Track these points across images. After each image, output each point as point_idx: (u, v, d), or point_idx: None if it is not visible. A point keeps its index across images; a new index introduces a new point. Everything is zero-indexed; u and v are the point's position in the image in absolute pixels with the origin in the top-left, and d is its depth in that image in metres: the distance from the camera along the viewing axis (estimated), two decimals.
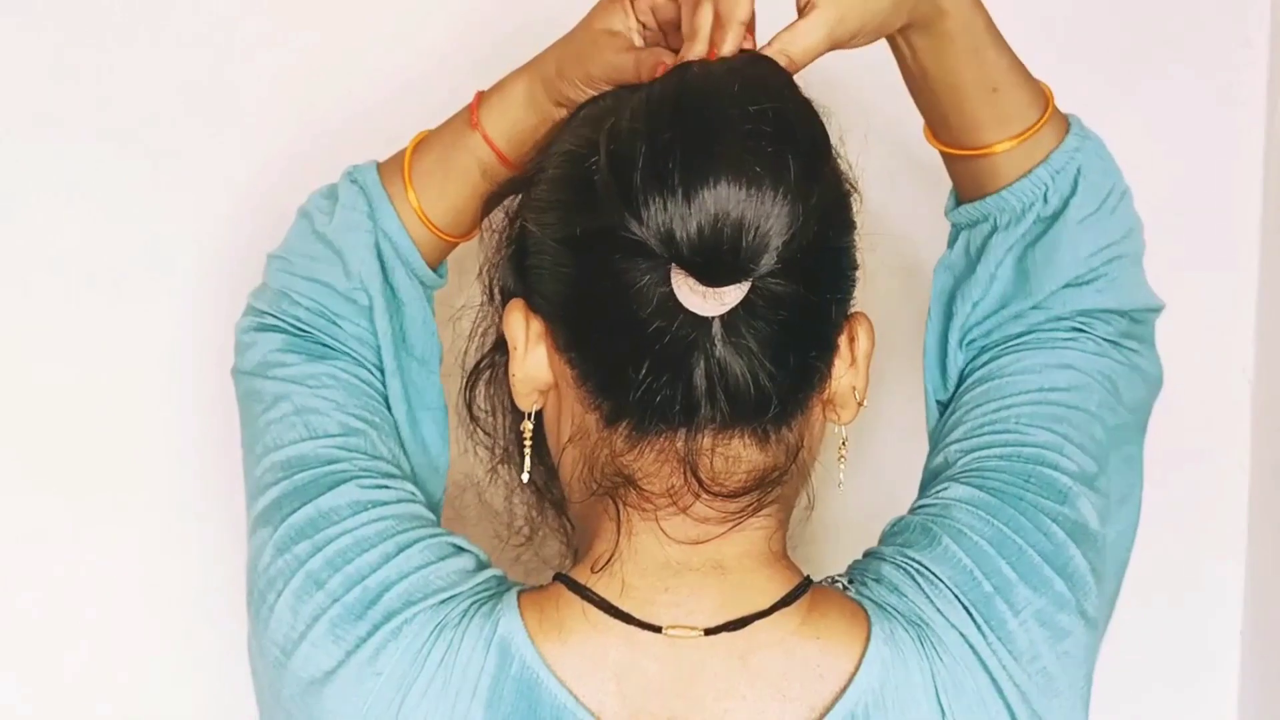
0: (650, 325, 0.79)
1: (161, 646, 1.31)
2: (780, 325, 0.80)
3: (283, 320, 0.99)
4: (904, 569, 0.88)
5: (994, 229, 1.00)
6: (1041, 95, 0.99)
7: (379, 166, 1.02)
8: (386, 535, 0.88)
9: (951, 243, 1.04)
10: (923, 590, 0.87)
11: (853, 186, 0.88)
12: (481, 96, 1.00)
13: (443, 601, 0.85)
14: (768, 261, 0.78)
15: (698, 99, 0.80)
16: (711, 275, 0.78)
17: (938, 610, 0.86)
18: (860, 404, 0.88)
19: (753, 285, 0.79)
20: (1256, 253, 1.36)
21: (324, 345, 0.98)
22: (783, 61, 0.86)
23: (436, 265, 1.03)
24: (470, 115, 0.99)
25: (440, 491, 1.02)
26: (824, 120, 0.84)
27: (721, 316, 0.79)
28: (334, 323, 0.98)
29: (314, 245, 1.00)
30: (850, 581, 0.90)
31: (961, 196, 1.03)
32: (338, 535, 0.88)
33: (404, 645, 0.84)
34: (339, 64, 1.30)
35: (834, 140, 0.85)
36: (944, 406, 1.02)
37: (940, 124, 1.00)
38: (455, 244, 1.03)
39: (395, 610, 0.85)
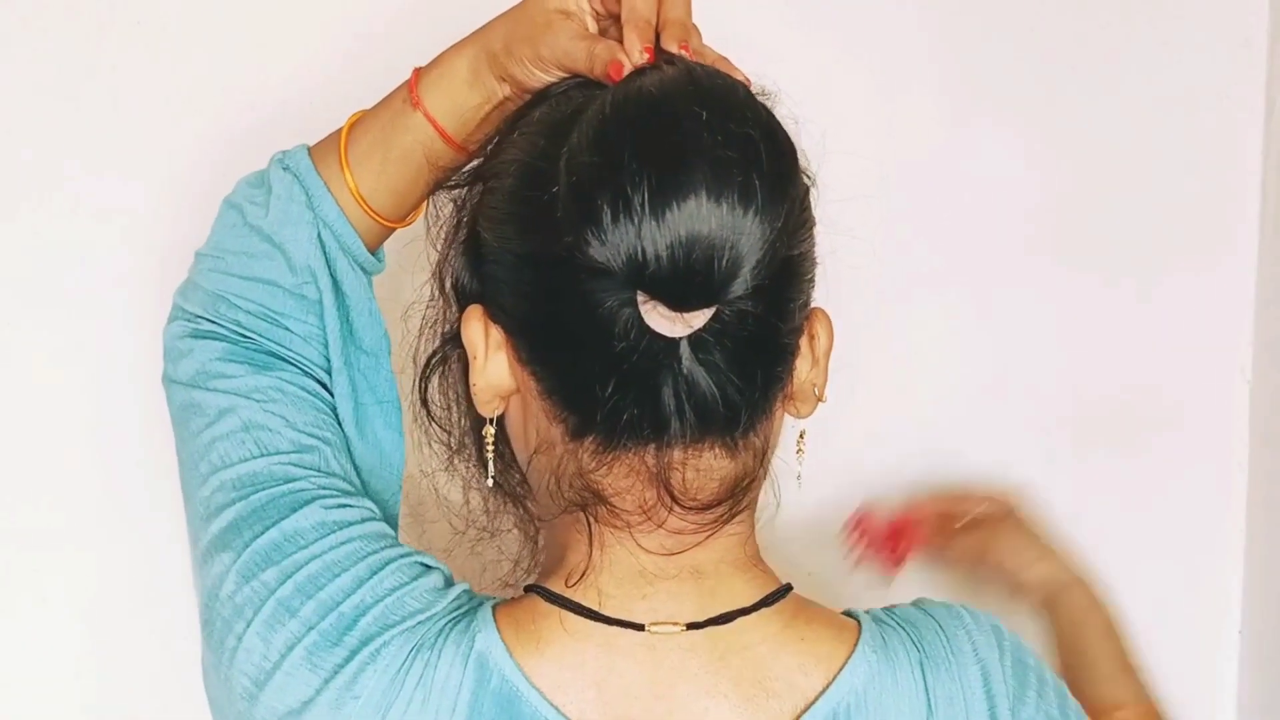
0: (618, 344, 0.78)
1: (150, 654, 1.31)
2: (747, 341, 0.79)
3: (221, 325, 0.93)
4: (932, 627, 0.88)
5: None
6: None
7: (310, 151, 0.97)
8: (357, 558, 0.85)
9: None
10: (941, 634, 0.88)
11: (810, 179, 0.85)
12: (420, 73, 0.94)
13: (419, 623, 0.83)
14: (738, 287, 0.77)
15: (660, 122, 0.78)
16: (681, 301, 0.77)
17: (949, 648, 0.87)
18: (820, 399, 0.87)
19: (719, 307, 0.78)
20: (1255, 253, 1.36)
21: (268, 353, 0.93)
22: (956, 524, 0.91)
23: (374, 251, 0.98)
24: (410, 93, 0.94)
25: (397, 487, 0.98)
26: (776, 106, 0.83)
27: (689, 336, 0.78)
28: (278, 324, 0.93)
29: (249, 240, 0.95)
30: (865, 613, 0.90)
31: None
32: (307, 560, 0.85)
33: (381, 668, 0.82)
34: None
35: (792, 129, 0.83)
36: None
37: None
38: (394, 229, 0.99)
39: (372, 635, 0.83)
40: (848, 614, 0.89)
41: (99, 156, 1.27)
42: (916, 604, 0.91)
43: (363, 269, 0.97)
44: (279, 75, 1.28)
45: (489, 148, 0.91)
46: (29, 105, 1.27)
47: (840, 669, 0.84)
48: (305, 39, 1.29)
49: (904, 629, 0.87)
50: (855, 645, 0.84)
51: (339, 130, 0.97)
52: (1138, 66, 1.34)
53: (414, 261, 0.98)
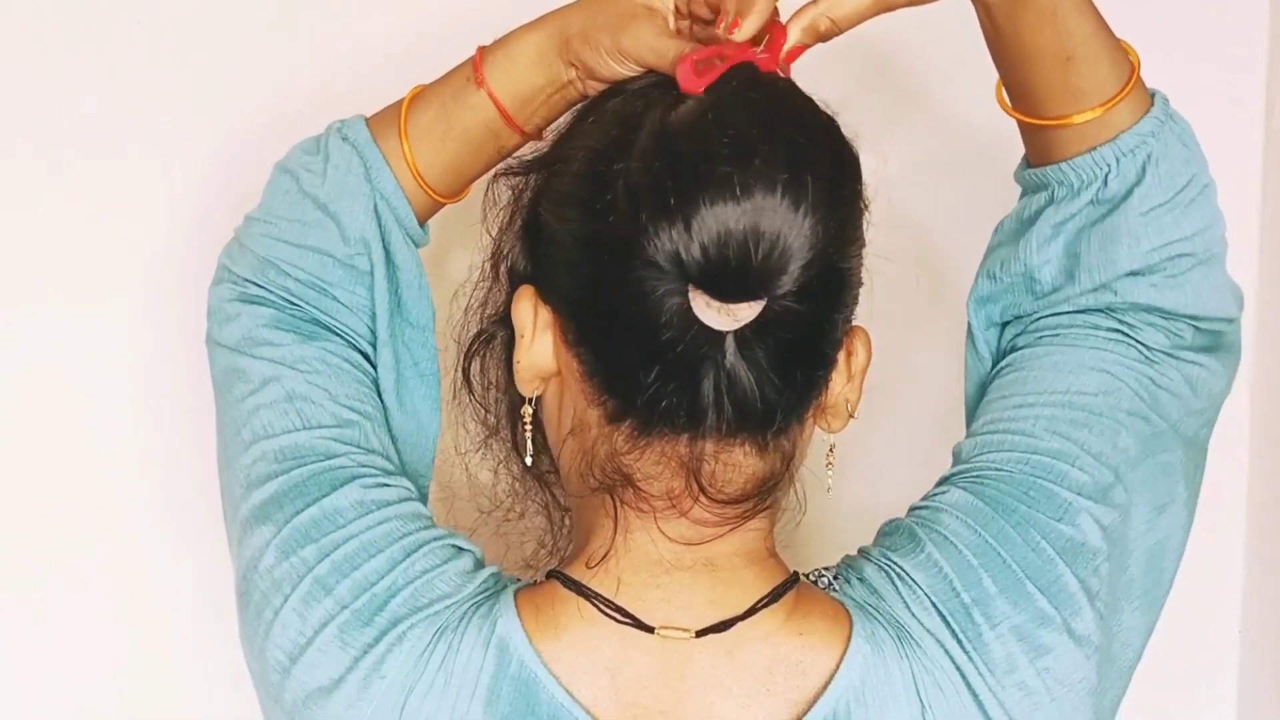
0: (664, 333, 0.80)
1: (159, 648, 1.31)
2: (790, 342, 0.81)
3: (270, 291, 0.95)
4: (885, 572, 0.89)
5: (1049, 201, 0.95)
6: (1125, 68, 0.93)
7: (368, 122, 0.98)
8: (392, 539, 0.87)
9: (1017, 202, 1.01)
10: (900, 595, 0.87)
11: (865, 204, 0.87)
12: (485, 52, 0.96)
13: (446, 607, 0.86)
14: (785, 283, 0.79)
15: (733, 124, 0.80)
16: (730, 293, 0.79)
17: (914, 616, 0.86)
18: (851, 415, 0.89)
19: (767, 303, 0.80)
20: (1255, 253, 1.36)
21: (313, 322, 0.95)
22: (823, 26, 0.85)
23: (422, 225, 1.00)
24: (474, 72, 0.96)
25: (430, 458, 1.01)
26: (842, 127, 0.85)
27: (735, 331, 0.80)
28: (326, 294, 0.95)
29: (303, 208, 0.96)
30: (835, 578, 0.91)
31: (1030, 160, 0.98)
32: (344, 540, 0.87)
33: (407, 649, 0.84)
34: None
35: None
36: (983, 381, 0.99)
37: (1011, 88, 0.95)
38: (445, 204, 1.00)
39: (401, 616, 0.85)
40: (829, 586, 0.90)
41: (100, 155, 1.28)
42: (853, 569, 0.91)
43: (413, 242, 0.98)
44: (281, 74, 1.28)
45: (556, 135, 0.93)
46: (29, 103, 1.27)
47: (838, 665, 0.85)
48: (308, 38, 1.30)
49: (878, 617, 0.87)
50: (849, 638, 0.85)
51: (399, 103, 0.98)
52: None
53: (460, 239, 1.00)
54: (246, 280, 0.96)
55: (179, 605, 1.30)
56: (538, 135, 0.97)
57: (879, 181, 0.88)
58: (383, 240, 0.96)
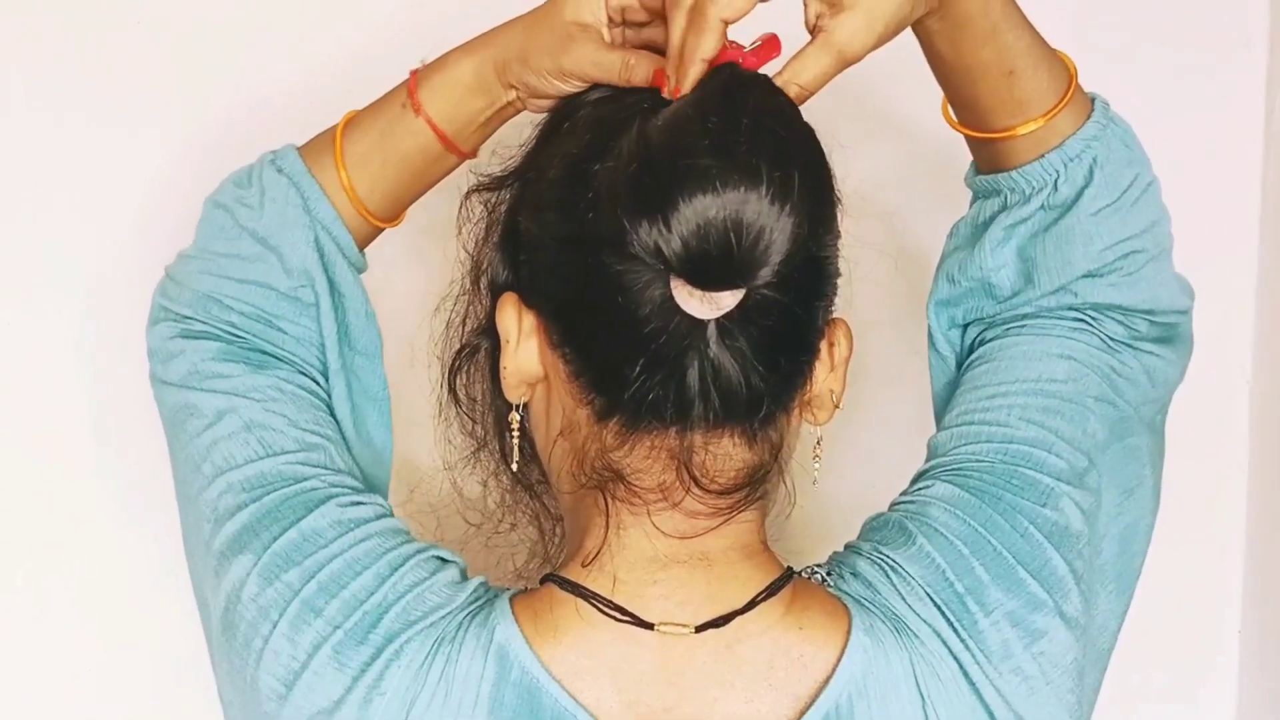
0: (647, 325, 0.80)
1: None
2: (772, 330, 0.82)
3: (213, 326, 0.93)
4: (879, 565, 0.89)
5: (1002, 207, 0.97)
6: (1064, 77, 0.96)
7: (301, 152, 0.97)
8: (376, 555, 0.87)
9: (970, 207, 1.02)
10: (896, 588, 0.88)
11: (837, 196, 0.88)
12: (419, 77, 0.96)
13: (440, 618, 0.85)
14: (765, 274, 0.79)
15: (713, 118, 0.80)
16: (712, 280, 0.79)
17: (910, 608, 0.87)
18: (837, 406, 0.89)
19: (748, 291, 0.80)
20: (1255, 254, 1.36)
21: (262, 353, 0.93)
22: (792, 92, 0.85)
23: (361, 250, 1.00)
24: (410, 98, 0.95)
25: (387, 480, 1.00)
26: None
27: (717, 320, 0.80)
28: (272, 325, 0.94)
29: (241, 243, 0.95)
30: (829, 574, 0.91)
31: (979, 168, 1.01)
32: (328, 560, 0.86)
33: (405, 664, 0.83)
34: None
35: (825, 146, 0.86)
36: (950, 380, 1.01)
37: (957, 104, 0.97)
38: (383, 229, 1.00)
39: (396, 632, 0.84)
40: (823, 582, 0.90)
41: (97, 155, 1.28)
42: (845, 564, 0.91)
43: (356, 269, 0.98)
44: (277, 76, 1.28)
45: (525, 148, 0.93)
46: (27, 105, 1.27)
47: (839, 659, 0.85)
48: (304, 39, 1.29)
49: (875, 610, 0.87)
50: (848, 632, 0.86)
51: (331, 131, 0.98)
52: (1137, 67, 1.34)
53: (405, 257, 0.99)
54: (187, 317, 0.94)
55: (149, 611, 1.30)
56: (474, 154, 0.97)
57: (858, 172, 0.90)
58: (325, 271, 0.95)
